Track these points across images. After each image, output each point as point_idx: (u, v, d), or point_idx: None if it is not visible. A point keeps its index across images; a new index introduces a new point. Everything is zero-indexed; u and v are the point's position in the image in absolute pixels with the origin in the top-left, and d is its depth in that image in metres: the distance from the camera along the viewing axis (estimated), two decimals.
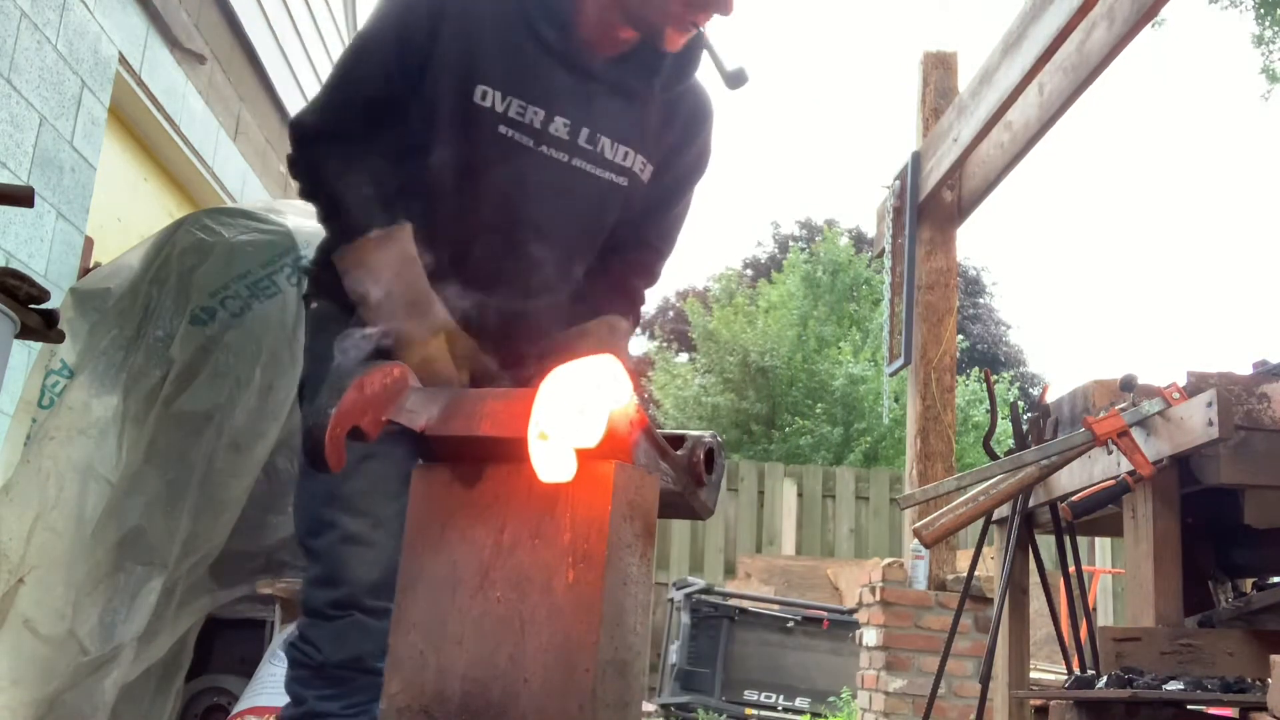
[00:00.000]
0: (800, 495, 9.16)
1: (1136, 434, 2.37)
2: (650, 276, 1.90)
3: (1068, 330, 44.80)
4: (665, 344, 18.02)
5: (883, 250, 5.27)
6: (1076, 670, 2.57)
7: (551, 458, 1.09)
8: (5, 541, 2.49)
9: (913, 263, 4.86)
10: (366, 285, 1.54)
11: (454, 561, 1.15)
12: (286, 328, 2.76)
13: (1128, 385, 2.45)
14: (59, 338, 2.20)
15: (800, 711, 6.67)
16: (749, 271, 21.58)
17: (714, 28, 1.68)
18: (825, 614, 6.96)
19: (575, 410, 1.09)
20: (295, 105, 5.73)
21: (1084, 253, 49.42)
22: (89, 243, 3.86)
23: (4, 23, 3.16)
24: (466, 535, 1.15)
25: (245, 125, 5.32)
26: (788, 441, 13.62)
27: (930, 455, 4.71)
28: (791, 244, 19.59)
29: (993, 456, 2.81)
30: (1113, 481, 2.41)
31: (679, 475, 1.28)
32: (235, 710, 2.68)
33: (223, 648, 3.02)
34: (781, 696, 6.82)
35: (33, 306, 2.02)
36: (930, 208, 4.91)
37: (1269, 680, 1.80)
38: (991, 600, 3.40)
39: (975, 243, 36.67)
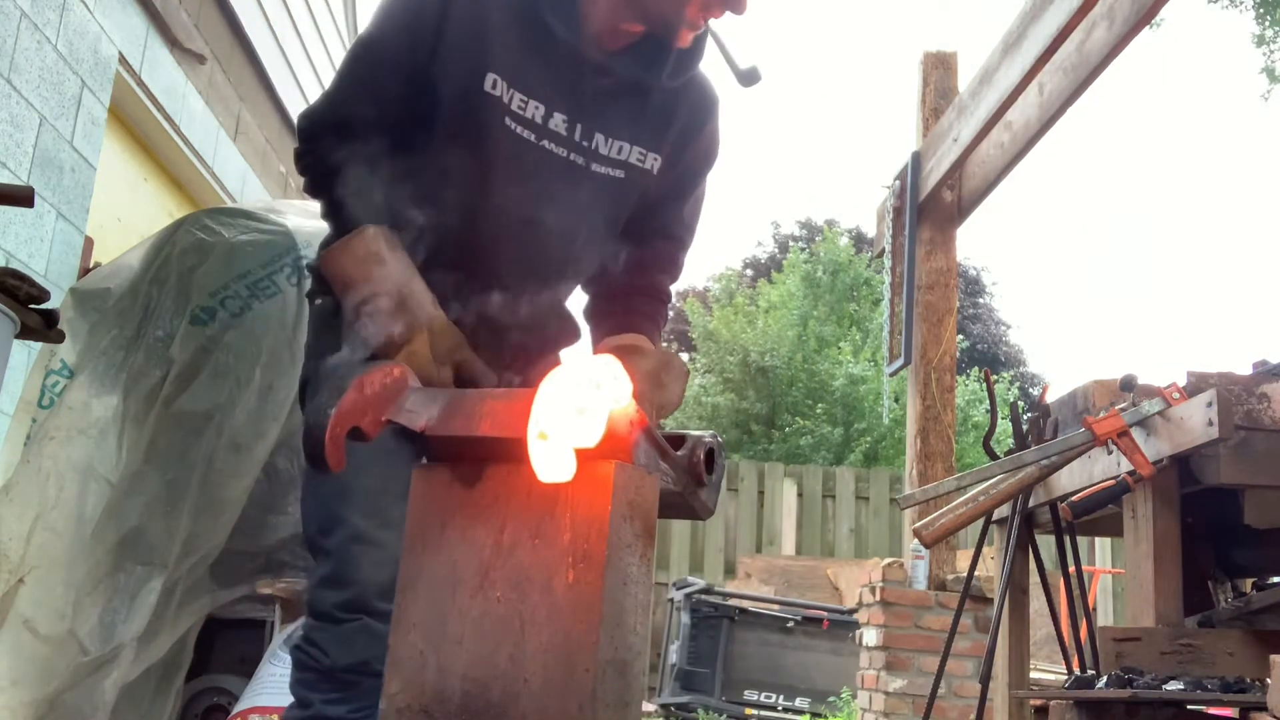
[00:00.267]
0: (800, 495, 9.16)
1: (1136, 434, 2.37)
2: (674, 268, 1.90)
3: (1068, 330, 44.83)
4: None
5: (883, 250, 5.27)
6: (1076, 670, 2.57)
7: (551, 457, 1.09)
8: (5, 541, 2.49)
9: (913, 263, 4.86)
10: (345, 285, 1.53)
11: (454, 561, 1.15)
12: (286, 328, 2.76)
13: (1128, 385, 2.45)
14: (59, 338, 2.20)
15: (800, 711, 6.67)
16: (749, 271, 21.59)
17: (724, 25, 1.68)
18: (825, 614, 6.97)
19: (575, 410, 1.09)
20: (295, 105, 5.73)
21: (1084, 253, 49.44)
22: (89, 243, 3.86)
23: (4, 23, 3.16)
24: (466, 535, 1.15)
25: (245, 125, 5.32)
26: (788, 441, 13.62)
27: (930, 455, 4.71)
28: (791, 244, 19.59)
29: (993, 456, 2.81)
30: (1113, 481, 2.41)
31: (679, 475, 1.28)
32: (235, 710, 2.68)
33: (223, 648, 3.02)
34: (781, 696, 6.82)
35: (33, 306, 2.02)
36: (930, 208, 4.91)
37: (1269, 680, 1.80)
38: (991, 600, 3.40)
39: (975, 243, 36.72)
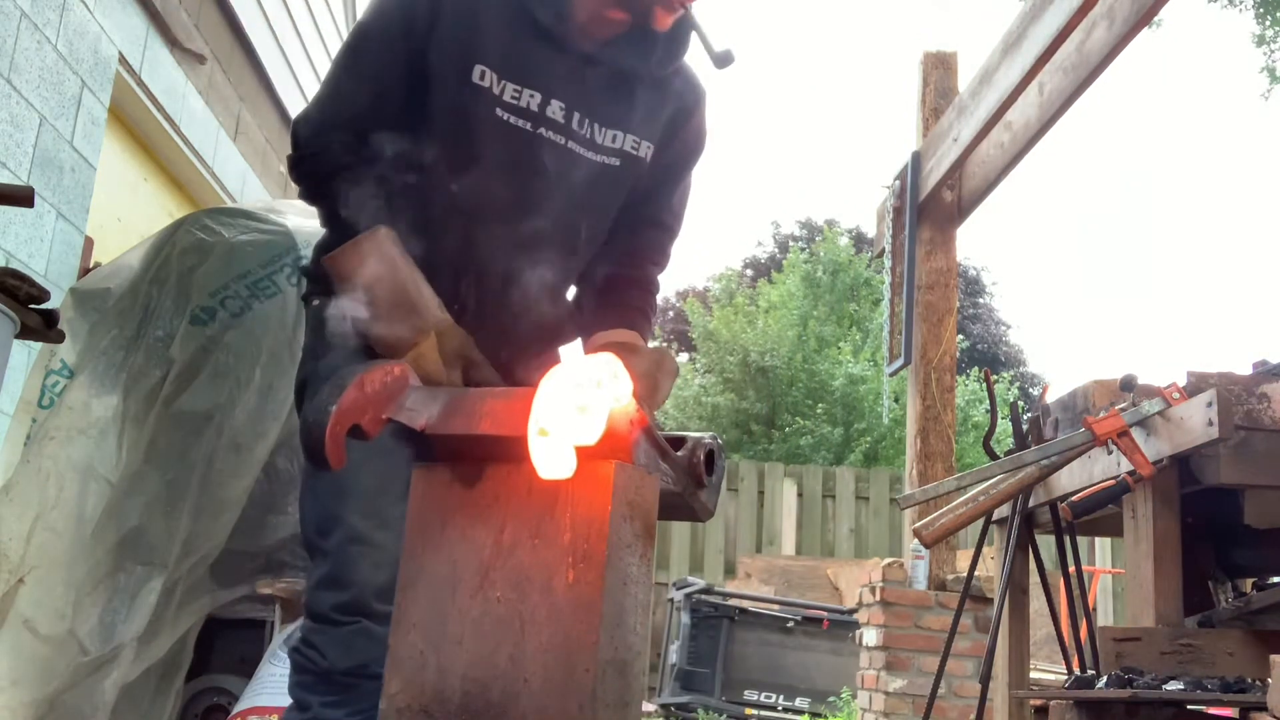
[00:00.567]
0: (800, 495, 9.16)
1: (1136, 434, 2.37)
2: (663, 257, 1.92)
3: (1068, 330, 44.83)
4: (665, 344, 18.02)
5: (883, 250, 5.27)
6: (1076, 670, 2.57)
7: (551, 454, 1.09)
8: (5, 541, 2.49)
9: (913, 263, 4.86)
10: (352, 288, 1.53)
11: (454, 561, 1.15)
12: (286, 328, 2.76)
13: (1128, 385, 2.45)
14: (59, 338, 2.19)
15: (800, 711, 6.67)
16: (749, 271, 21.59)
17: (701, 8, 1.70)
18: (825, 614, 6.96)
19: (575, 408, 1.09)
20: (295, 105, 5.73)
21: (1084, 253, 49.44)
22: (89, 243, 3.85)
23: (4, 23, 3.16)
24: (466, 535, 1.15)
25: (245, 125, 5.32)
26: (788, 441, 13.62)
27: (930, 455, 4.71)
28: (791, 244, 19.59)
29: (993, 456, 2.81)
30: (1113, 481, 2.41)
31: (679, 476, 1.28)
32: (235, 710, 2.68)
33: (223, 648, 3.02)
34: (781, 696, 6.81)
35: (33, 306, 2.02)
36: (930, 208, 4.91)
37: (1269, 680, 1.80)
38: (991, 600, 3.40)
39: (975, 243, 36.70)
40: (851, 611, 6.37)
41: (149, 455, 2.66)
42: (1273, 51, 12.38)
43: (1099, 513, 2.54)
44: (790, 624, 6.94)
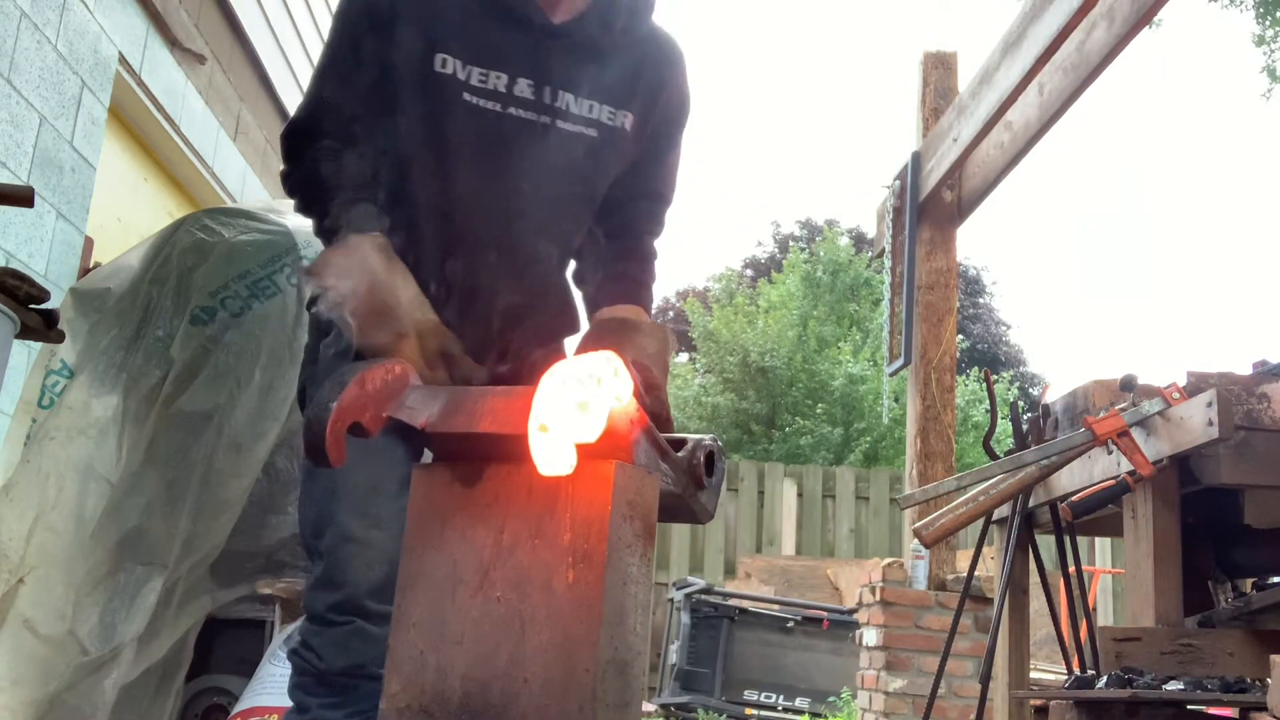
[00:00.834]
0: (800, 495, 9.16)
1: (1136, 434, 2.37)
2: (658, 225, 1.92)
3: (1068, 330, 44.83)
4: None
5: (883, 250, 5.27)
6: (1076, 670, 2.57)
7: (551, 451, 1.08)
8: (5, 541, 2.49)
9: (913, 263, 4.86)
10: (330, 298, 1.53)
11: (454, 561, 1.15)
12: (286, 328, 2.76)
13: (1128, 385, 2.45)
14: (59, 338, 2.19)
15: (800, 711, 6.67)
16: (749, 271, 21.59)
17: None
18: (825, 614, 6.96)
19: (576, 405, 1.09)
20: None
21: (1084, 253, 49.44)
22: (89, 243, 3.85)
23: (4, 23, 3.16)
24: (466, 535, 1.15)
25: (245, 125, 5.32)
26: (788, 441, 13.62)
27: (930, 455, 4.71)
28: (791, 244, 19.59)
29: (993, 456, 2.81)
30: (1113, 481, 2.41)
31: (679, 477, 1.28)
32: (235, 710, 2.68)
33: (223, 648, 3.02)
34: (781, 696, 6.81)
35: (33, 306, 2.02)
36: (930, 208, 4.91)
37: (1269, 680, 1.80)
38: (991, 600, 3.40)
39: (975, 243, 36.71)
40: (851, 611, 6.37)
41: (149, 455, 2.66)
42: (1273, 51, 12.37)
43: (1099, 513, 2.54)
44: (790, 624, 6.94)
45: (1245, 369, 2.42)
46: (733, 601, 7.09)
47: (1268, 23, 12.21)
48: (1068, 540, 2.84)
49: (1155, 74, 53.62)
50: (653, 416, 1.25)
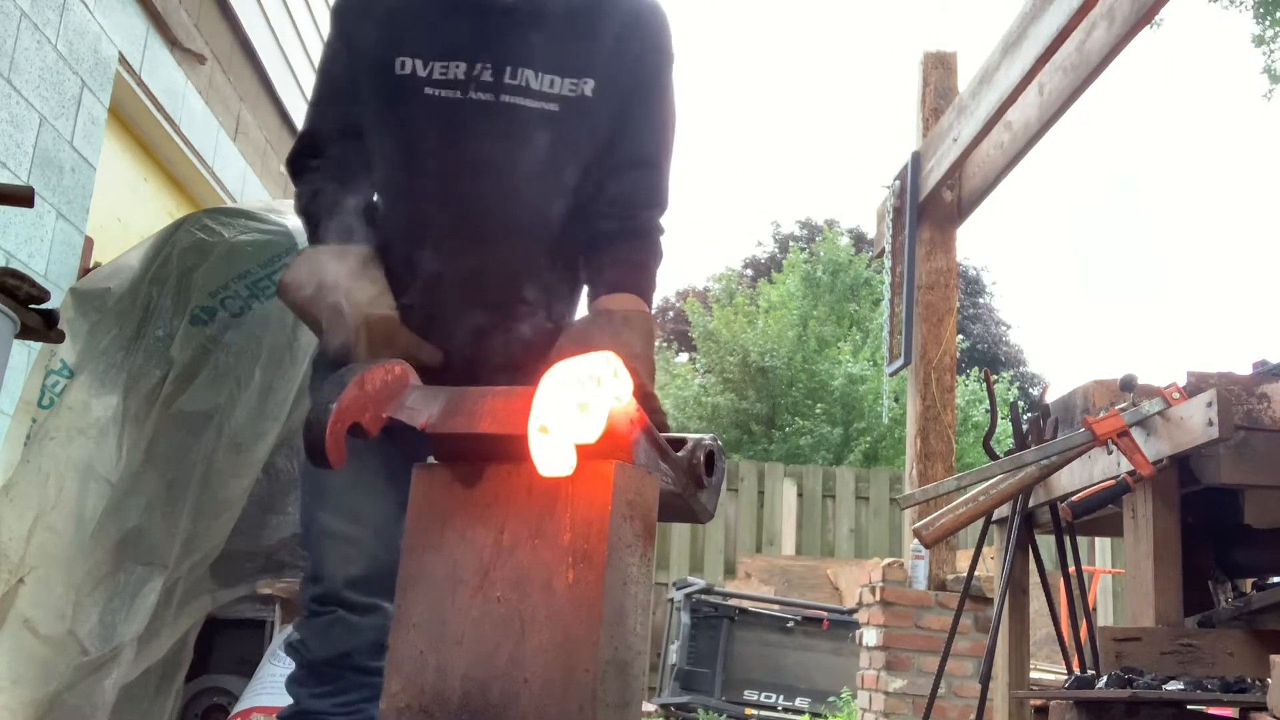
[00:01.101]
0: (800, 495, 9.16)
1: (1136, 434, 2.37)
2: (656, 196, 1.80)
3: (1068, 330, 44.84)
4: (665, 344, 18.03)
5: (883, 250, 5.27)
6: (1076, 670, 2.57)
7: (551, 452, 1.09)
8: (5, 541, 2.49)
9: (913, 263, 4.86)
10: (296, 310, 1.64)
11: (454, 561, 1.15)
12: (286, 328, 2.76)
13: (1128, 385, 2.45)
14: (59, 338, 2.20)
15: (800, 711, 6.67)
16: (749, 271, 21.58)
17: None
18: (825, 614, 6.96)
19: (576, 405, 1.09)
20: (295, 105, 5.73)
21: (1084, 253, 49.44)
22: (89, 243, 3.85)
23: (4, 23, 3.16)
24: (466, 535, 1.15)
25: (245, 125, 5.32)
26: (788, 441, 13.62)
27: (930, 455, 4.71)
28: (791, 244, 19.59)
29: (993, 456, 2.81)
30: (1113, 481, 2.41)
31: (679, 477, 1.28)
32: (235, 710, 2.68)
33: (223, 648, 3.02)
34: (781, 696, 6.81)
35: (33, 306, 2.02)
36: (930, 208, 4.91)
37: (1269, 680, 1.80)
38: (991, 600, 3.40)
39: (975, 243, 36.72)
40: (851, 611, 6.37)
41: (149, 455, 2.66)
42: (1273, 52, 12.37)
43: (1099, 513, 2.54)
44: (790, 624, 6.94)
45: (1245, 369, 2.42)
46: (733, 601, 7.09)
47: (1267, 23, 12.21)
48: (1068, 540, 2.84)
49: (1155, 74, 53.62)
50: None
